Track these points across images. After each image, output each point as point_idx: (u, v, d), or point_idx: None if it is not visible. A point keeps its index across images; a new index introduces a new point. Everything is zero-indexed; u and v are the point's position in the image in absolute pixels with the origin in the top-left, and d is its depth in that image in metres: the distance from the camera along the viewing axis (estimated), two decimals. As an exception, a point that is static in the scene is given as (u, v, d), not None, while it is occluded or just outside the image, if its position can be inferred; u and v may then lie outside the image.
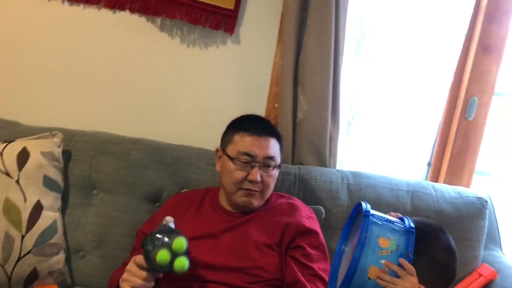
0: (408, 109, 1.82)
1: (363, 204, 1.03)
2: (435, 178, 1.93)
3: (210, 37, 1.76)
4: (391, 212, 1.07)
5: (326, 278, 1.26)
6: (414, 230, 0.97)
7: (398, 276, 0.93)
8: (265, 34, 1.77)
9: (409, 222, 1.00)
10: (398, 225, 0.99)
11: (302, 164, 1.73)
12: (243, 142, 1.34)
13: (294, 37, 1.66)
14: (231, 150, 1.35)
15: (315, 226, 1.40)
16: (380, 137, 1.84)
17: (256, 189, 1.33)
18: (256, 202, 1.35)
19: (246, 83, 1.80)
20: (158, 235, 1.06)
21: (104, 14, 1.73)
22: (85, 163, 1.57)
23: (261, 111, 1.80)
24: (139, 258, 1.10)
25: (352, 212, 1.11)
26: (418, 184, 1.67)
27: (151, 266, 1.06)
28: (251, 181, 1.32)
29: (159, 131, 1.77)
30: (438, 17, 1.76)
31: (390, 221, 1.00)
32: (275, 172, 1.38)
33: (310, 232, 1.35)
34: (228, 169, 1.35)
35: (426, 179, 1.94)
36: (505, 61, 1.83)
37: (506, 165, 1.94)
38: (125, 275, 1.12)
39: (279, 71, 1.73)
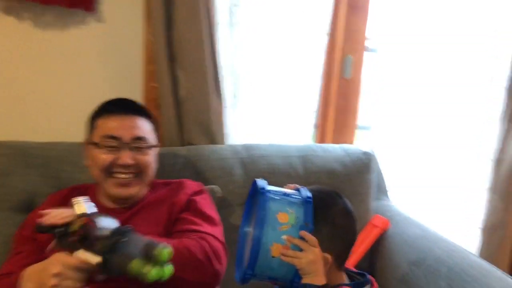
0: (289, 74, 1.80)
1: (258, 181, 0.98)
2: (322, 139, 1.97)
3: (68, 17, 1.56)
4: (288, 184, 1.04)
5: (219, 238, 1.18)
6: (311, 200, 0.95)
7: (301, 250, 0.90)
8: (131, 10, 1.62)
9: (305, 192, 0.98)
10: (295, 197, 0.96)
11: (192, 145, 1.65)
12: (107, 124, 1.21)
13: (162, 12, 1.54)
14: (96, 136, 1.22)
15: (202, 200, 1.30)
16: (267, 105, 1.81)
17: (131, 171, 1.21)
18: (134, 190, 1.23)
19: (117, 64, 1.64)
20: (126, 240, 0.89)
21: None
22: None
23: (137, 93, 1.67)
24: (75, 260, 0.91)
25: (250, 191, 1.06)
26: (307, 148, 1.69)
27: (114, 272, 0.89)
28: (122, 166, 1.20)
29: (22, 130, 1.56)
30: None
31: (287, 195, 0.97)
32: (152, 152, 1.26)
33: (194, 203, 1.26)
34: (94, 156, 1.21)
35: (314, 141, 1.97)
36: (371, 18, 1.89)
37: (384, 118, 2.04)
38: (54, 280, 0.90)
39: (152, 48, 1.60)
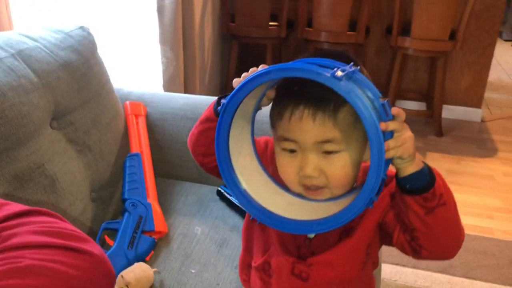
0: None
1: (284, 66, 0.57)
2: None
3: None
4: (253, 68, 0.64)
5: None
6: (358, 65, 0.63)
7: (391, 135, 0.61)
8: None
9: (333, 61, 0.63)
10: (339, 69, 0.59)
11: None
12: None
13: None
14: None
15: None
16: None
17: None
18: None
19: None
20: None
21: None
22: None
23: None
24: None
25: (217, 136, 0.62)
26: (10, 40, 1.05)
27: None
28: None
29: None
30: None
31: (331, 66, 0.60)
32: None
33: None
34: None
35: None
36: None
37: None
38: None
39: None
